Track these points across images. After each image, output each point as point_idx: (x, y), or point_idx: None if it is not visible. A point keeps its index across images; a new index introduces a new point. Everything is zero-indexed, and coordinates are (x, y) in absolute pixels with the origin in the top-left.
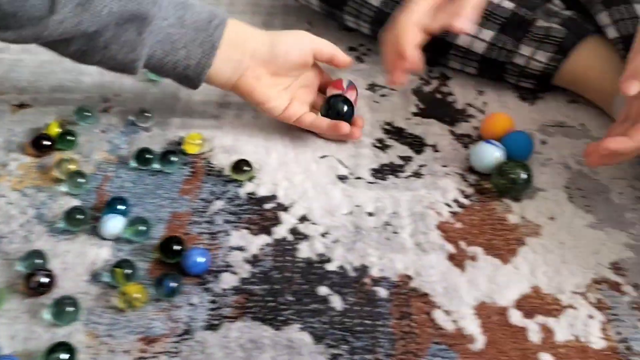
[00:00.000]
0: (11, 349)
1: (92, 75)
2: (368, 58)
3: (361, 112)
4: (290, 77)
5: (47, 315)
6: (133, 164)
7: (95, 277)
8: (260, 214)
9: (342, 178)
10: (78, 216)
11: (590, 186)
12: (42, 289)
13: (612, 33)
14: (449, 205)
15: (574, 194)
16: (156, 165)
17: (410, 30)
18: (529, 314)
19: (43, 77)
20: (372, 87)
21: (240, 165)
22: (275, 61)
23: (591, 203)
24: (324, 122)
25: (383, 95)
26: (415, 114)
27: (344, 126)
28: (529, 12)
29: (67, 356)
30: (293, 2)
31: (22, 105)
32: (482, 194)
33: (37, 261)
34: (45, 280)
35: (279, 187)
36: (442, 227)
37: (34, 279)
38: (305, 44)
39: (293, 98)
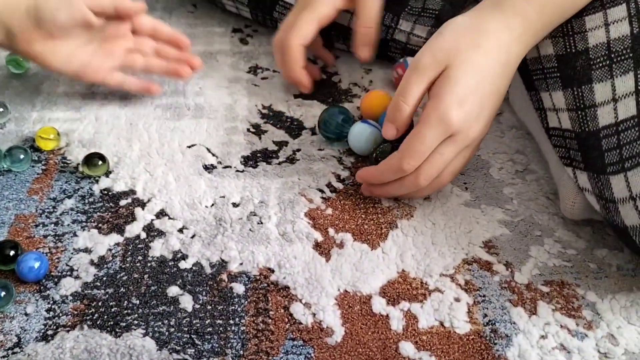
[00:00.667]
0: None
1: None
2: (252, 40)
3: (239, 97)
4: (79, 37)
5: None
6: None
7: None
8: (114, 211)
9: (208, 168)
10: None
11: (471, 162)
12: None
13: None
14: (321, 191)
15: None
16: (4, 165)
17: (297, 53)
18: (393, 301)
19: None
20: (253, 69)
21: (93, 159)
22: (44, 25)
23: (469, 180)
24: (133, 84)
25: (264, 78)
26: (296, 96)
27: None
28: None
29: None
30: None
31: None
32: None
33: None
34: None
35: (137, 181)
36: (311, 214)
37: None
38: (74, 3)
39: (94, 56)
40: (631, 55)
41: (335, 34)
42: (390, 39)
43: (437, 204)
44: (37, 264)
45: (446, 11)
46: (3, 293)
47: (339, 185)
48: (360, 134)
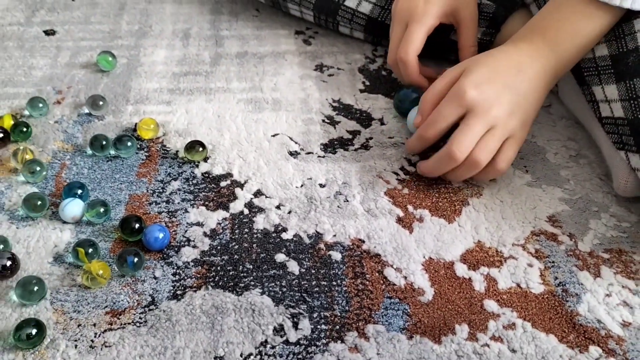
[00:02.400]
0: None
1: (42, 69)
2: (314, 40)
3: (311, 91)
4: None
5: (13, 296)
6: (89, 151)
7: (58, 258)
8: (217, 191)
9: (293, 154)
10: (37, 202)
11: (528, 148)
12: (6, 272)
13: (534, 10)
14: (396, 174)
15: None
16: (112, 152)
17: (413, 63)
18: (473, 267)
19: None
20: (319, 67)
21: (194, 146)
22: None
23: (529, 164)
24: None
25: (331, 75)
26: (362, 91)
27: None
28: None
29: (35, 331)
30: None
31: None
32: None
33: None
34: (8, 263)
35: (233, 166)
36: (390, 194)
37: None
38: None
39: None
40: None
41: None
42: (447, 39)
43: (502, 185)
44: (161, 235)
45: (500, 13)
46: (136, 259)
47: (411, 169)
48: (411, 115)
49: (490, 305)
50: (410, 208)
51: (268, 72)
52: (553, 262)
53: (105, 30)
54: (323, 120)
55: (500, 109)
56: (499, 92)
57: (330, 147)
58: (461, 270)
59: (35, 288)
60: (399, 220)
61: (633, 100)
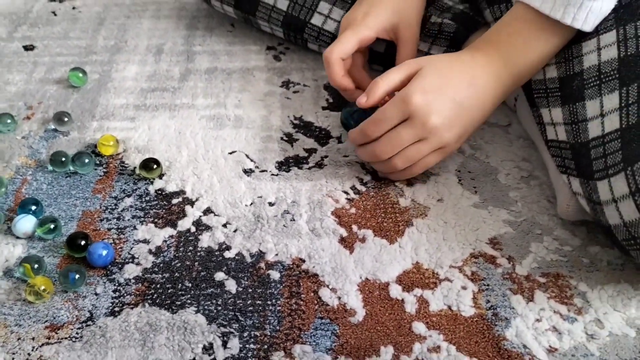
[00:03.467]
0: None
1: (17, 84)
2: (285, 57)
3: (273, 108)
4: None
5: None
6: (50, 167)
7: (7, 273)
8: (168, 208)
9: (247, 171)
10: None
11: (480, 168)
12: None
13: None
14: (346, 193)
15: (463, 176)
16: (71, 167)
17: (334, 63)
18: (407, 288)
19: None
20: (286, 84)
21: (149, 164)
22: None
23: (479, 185)
24: None
25: (296, 92)
26: (324, 108)
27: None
28: (425, 8)
29: None
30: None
31: None
32: (379, 180)
33: None
34: None
35: (187, 183)
36: (337, 213)
37: None
38: None
39: None
40: (617, 76)
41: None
42: None
43: (448, 205)
44: (104, 252)
45: (461, 33)
46: (77, 276)
47: (362, 188)
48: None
49: (419, 327)
50: (354, 228)
51: (234, 88)
52: (488, 285)
53: (82, 45)
54: (281, 138)
55: (440, 121)
56: (444, 104)
57: (285, 165)
58: (395, 291)
59: None
60: (342, 240)
61: (574, 124)
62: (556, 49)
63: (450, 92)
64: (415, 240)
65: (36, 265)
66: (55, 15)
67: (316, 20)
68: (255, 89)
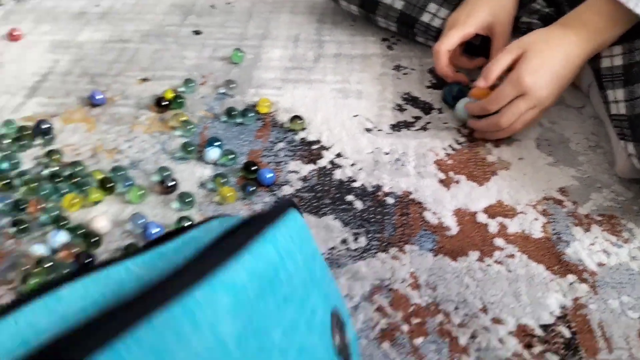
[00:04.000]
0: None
1: (191, 60)
2: (396, 46)
3: (387, 85)
4: None
5: (174, 204)
6: (223, 118)
7: (202, 185)
8: (309, 151)
9: (368, 130)
10: (189, 148)
11: (555, 138)
12: (170, 189)
13: None
14: (444, 149)
15: (541, 143)
16: (238, 120)
17: (442, 55)
18: (491, 216)
19: (157, 60)
20: (397, 67)
21: (296, 119)
22: None
23: (553, 149)
24: None
25: (405, 74)
26: (428, 87)
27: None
28: (517, 11)
29: (190, 222)
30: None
31: (144, 79)
32: (472, 142)
33: (165, 173)
34: (172, 183)
35: (322, 135)
36: (438, 163)
37: (165, 183)
38: None
39: None
40: None
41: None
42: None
43: (527, 162)
44: (269, 175)
45: None
46: (252, 188)
47: (458, 147)
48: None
49: (499, 242)
50: (451, 174)
51: (356, 69)
52: (554, 218)
53: (237, 32)
54: (393, 108)
55: (546, 92)
56: (547, 77)
57: (397, 127)
58: (481, 217)
59: (188, 199)
60: (441, 181)
61: (632, 100)
62: (622, 33)
63: (550, 67)
64: (499, 184)
65: (223, 180)
66: (214, 8)
67: (425, 17)
68: (373, 70)
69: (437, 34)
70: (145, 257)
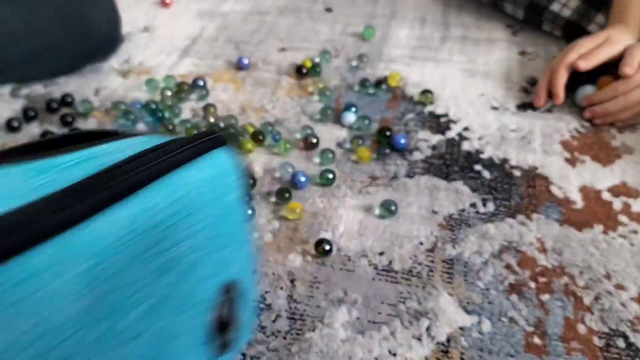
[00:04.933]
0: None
1: (325, 34)
2: (520, 33)
3: (512, 68)
4: None
5: (316, 159)
6: (356, 88)
7: (339, 144)
8: (437, 123)
9: (494, 108)
10: (327, 112)
11: None
12: (313, 145)
13: None
14: (569, 132)
15: None
16: (371, 90)
17: (562, 73)
18: (615, 195)
19: (293, 33)
20: (522, 53)
21: (426, 93)
22: None
23: None
24: None
25: (530, 60)
26: None
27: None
28: None
29: (331, 175)
30: None
31: (283, 49)
32: (595, 127)
33: (309, 131)
34: (314, 140)
35: (450, 109)
36: (563, 143)
37: (309, 140)
38: None
39: None
40: None
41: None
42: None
43: None
44: (403, 140)
45: None
46: (387, 151)
47: (582, 130)
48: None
49: (622, 218)
50: (576, 153)
51: (482, 51)
52: None
53: (366, 12)
54: (519, 90)
55: None
56: None
57: (522, 107)
58: (606, 195)
59: (330, 155)
60: (566, 160)
61: None
62: None
63: None
64: (622, 167)
65: (360, 141)
66: None
67: (555, 7)
68: (498, 53)
69: (564, 24)
70: (46, 163)
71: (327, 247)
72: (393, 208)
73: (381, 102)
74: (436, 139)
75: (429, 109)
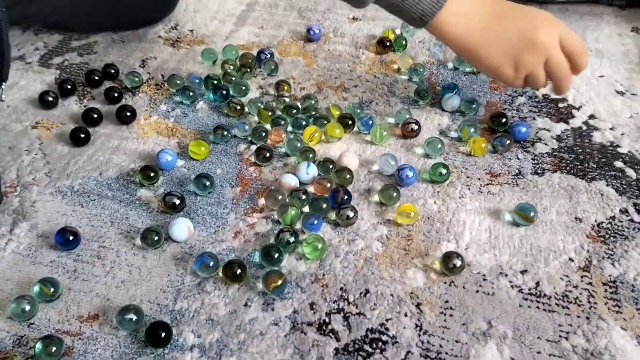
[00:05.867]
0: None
1: None
2: (628, 9)
3: (630, 47)
4: None
5: (418, 149)
6: (450, 65)
7: (442, 133)
8: (556, 109)
9: (620, 92)
10: (424, 93)
11: None
12: (413, 133)
13: None
14: None
15: None
16: (468, 68)
17: None
18: None
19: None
20: (636, 29)
21: None
22: None
23: None
24: None
25: None
26: None
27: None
28: None
29: (444, 171)
30: None
31: (354, 19)
32: None
33: (405, 116)
34: (414, 126)
35: (568, 94)
36: None
37: (409, 127)
38: None
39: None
40: None
41: None
42: None
43: None
44: (524, 129)
45: None
46: (507, 142)
47: None
48: None
49: None
50: None
51: (589, 26)
52: None
53: None
54: None
55: None
56: None
57: None
58: None
59: (439, 145)
60: None
61: None
62: None
63: None
64: None
65: (472, 129)
66: None
67: None
68: (608, 29)
69: None
70: None
71: (458, 263)
72: (532, 215)
73: (482, 83)
74: (559, 128)
75: (542, 91)
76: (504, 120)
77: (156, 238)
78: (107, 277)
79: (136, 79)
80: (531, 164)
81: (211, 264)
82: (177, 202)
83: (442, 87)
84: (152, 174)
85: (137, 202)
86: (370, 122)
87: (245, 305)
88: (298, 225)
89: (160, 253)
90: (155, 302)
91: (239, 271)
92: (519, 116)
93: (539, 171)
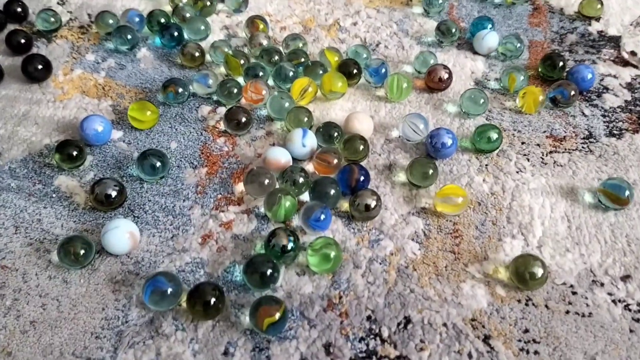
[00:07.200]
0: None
1: None
2: None
3: None
4: None
5: (449, 106)
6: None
7: (478, 83)
8: (618, 51)
9: None
10: (450, 30)
11: None
12: (442, 83)
13: None
14: None
15: None
16: (496, 0)
17: None
18: None
19: None
20: None
21: (591, 2)
22: None
23: None
24: None
25: None
26: None
27: None
28: None
29: (496, 135)
30: None
31: None
32: None
33: (429, 60)
34: (444, 75)
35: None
36: None
37: (436, 75)
38: None
39: None
40: None
41: None
42: None
43: None
44: (589, 75)
45: None
46: (483, 100)
47: None
48: None
49: None
50: None
51: None
52: None
53: None
54: None
55: None
56: None
57: None
58: None
59: (482, 100)
60: None
61: None
62: None
63: None
64: None
65: (521, 77)
66: None
67: None
68: None
69: None
70: None
71: (539, 272)
72: (626, 194)
73: (519, 18)
74: (628, 74)
75: (596, 27)
76: (560, 63)
77: (82, 251)
78: (8, 318)
79: (52, 19)
80: (602, 122)
81: (169, 290)
82: (114, 193)
83: (470, 22)
84: (75, 153)
85: (53, 196)
86: (383, 70)
87: (225, 354)
88: (296, 222)
89: (89, 275)
90: (83, 355)
91: (212, 299)
92: (574, 59)
93: (614, 131)
